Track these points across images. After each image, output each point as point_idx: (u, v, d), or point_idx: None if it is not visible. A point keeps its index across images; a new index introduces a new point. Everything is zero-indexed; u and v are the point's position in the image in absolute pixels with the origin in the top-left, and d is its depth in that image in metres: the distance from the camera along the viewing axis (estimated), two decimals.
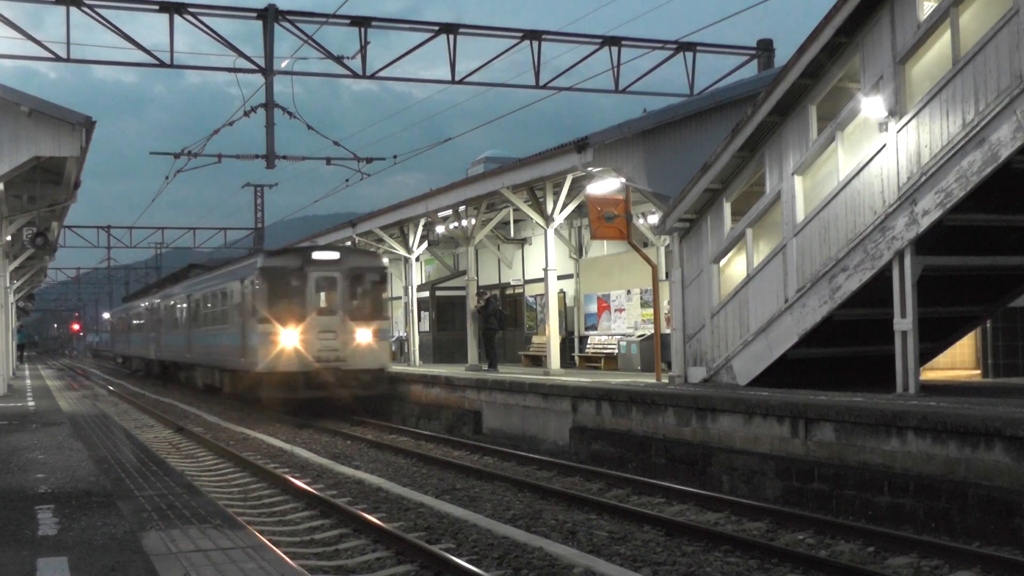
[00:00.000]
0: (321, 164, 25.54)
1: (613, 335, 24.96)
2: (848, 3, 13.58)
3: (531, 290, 29.95)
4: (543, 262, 21.86)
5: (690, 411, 14.25)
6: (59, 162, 18.10)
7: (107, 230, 53.14)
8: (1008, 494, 9.39)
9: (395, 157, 25.07)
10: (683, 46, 23.26)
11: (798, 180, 15.21)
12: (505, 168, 22.44)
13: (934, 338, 16.04)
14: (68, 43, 19.13)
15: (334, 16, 20.25)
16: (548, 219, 21.64)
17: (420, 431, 20.68)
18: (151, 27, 20.98)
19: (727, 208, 16.72)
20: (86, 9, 18.95)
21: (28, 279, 42.11)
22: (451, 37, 21.22)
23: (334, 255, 24.73)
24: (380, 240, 30.97)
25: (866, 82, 13.86)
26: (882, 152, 13.61)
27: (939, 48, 13.12)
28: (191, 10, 19.59)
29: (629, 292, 25.05)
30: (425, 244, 29.02)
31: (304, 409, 23.56)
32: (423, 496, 12.37)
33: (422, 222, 28.14)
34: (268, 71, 20.40)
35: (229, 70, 20.61)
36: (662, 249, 22.33)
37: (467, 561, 8.67)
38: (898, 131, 13.36)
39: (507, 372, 22.83)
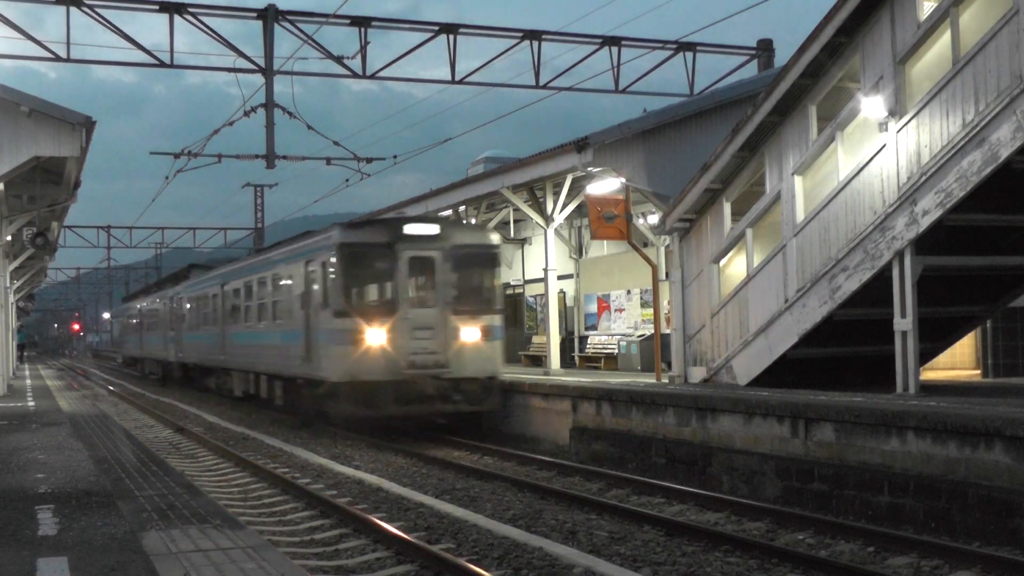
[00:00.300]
0: (321, 164, 25.49)
1: (613, 335, 24.97)
2: (848, 3, 13.58)
3: (531, 290, 29.95)
4: (543, 262, 21.87)
5: (690, 411, 14.25)
6: (59, 162, 18.11)
7: (107, 230, 53.20)
8: (1008, 494, 9.39)
9: (395, 157, 25.04)
10: (683, 46, 23.29)
11: (798, 180, 15.21)
12: (505, 168, 22.41)
13: (934, 338, 16.05)
14: (68, 43, 19.18)
15: (334, 16, 20.25)
16: (548, 219, 21.64)
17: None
18: (151, 27, 21.02)
19: (727, 208, 16.73)
20: (86, 9, 18.98)
21: (28, 279, 42.12)
22: (451, 37, 21.24)
23: (433, 228, 19.02)
24: None
25: (866, 82, 13.86)
26: (882, 152, 13.61)
27: (939, 48, 13.12)
28: (191, 10, 19.62)
29: (629, 292, 25.06)
30: None
31: (393, 430, 19.15)
32: (423, 496, 12.36)
33: None
34: (268, 71, 20.42)
35: (229, 70, 20.64)
36: (662, 249, 22.34)
37: (467, 561, 8.67)
38: (898, 131, 13.36)
39: (507, 372, 22.81)
